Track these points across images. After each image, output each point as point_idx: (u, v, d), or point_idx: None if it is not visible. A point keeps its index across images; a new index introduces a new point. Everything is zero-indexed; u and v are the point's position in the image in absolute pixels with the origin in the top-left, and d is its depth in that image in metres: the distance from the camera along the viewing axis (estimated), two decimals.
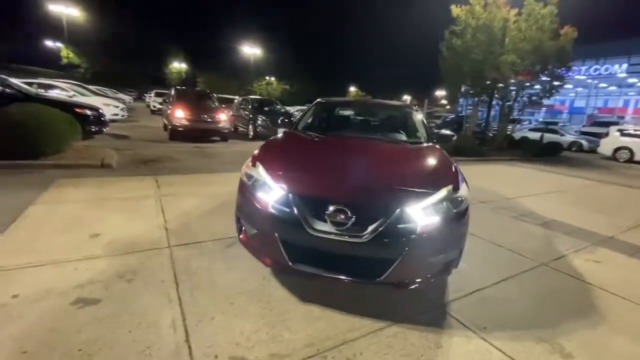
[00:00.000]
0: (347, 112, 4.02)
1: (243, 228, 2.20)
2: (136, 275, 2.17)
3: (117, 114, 12.13)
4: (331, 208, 1.85)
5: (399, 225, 1.84)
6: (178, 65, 49.14)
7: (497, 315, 2.08)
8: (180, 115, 9.19)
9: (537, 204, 4.88)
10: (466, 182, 2.33)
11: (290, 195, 1.94)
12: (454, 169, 2.43)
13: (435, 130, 3.49)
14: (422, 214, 1.89)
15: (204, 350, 1.59)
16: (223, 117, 9.91)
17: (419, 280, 1.97)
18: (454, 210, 2.02)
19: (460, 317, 2.03)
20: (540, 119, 28.60)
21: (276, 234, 1.93)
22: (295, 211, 1.89)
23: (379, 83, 63.42)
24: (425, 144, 3.11)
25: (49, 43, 37.36)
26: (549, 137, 14.40)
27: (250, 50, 39.54)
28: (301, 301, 2.06)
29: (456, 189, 2.12)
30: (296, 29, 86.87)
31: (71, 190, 3.82)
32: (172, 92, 10.91)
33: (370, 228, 1.83)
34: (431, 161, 2.62)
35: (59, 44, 36.82)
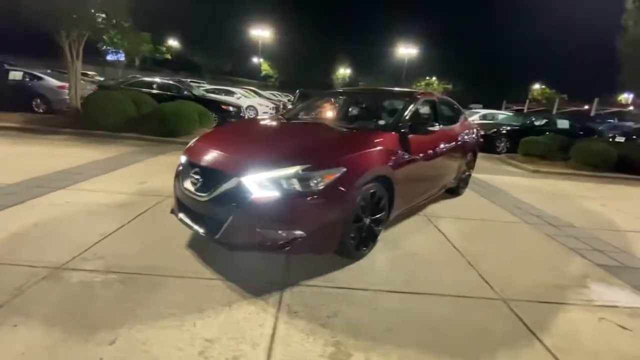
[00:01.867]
0: (330, 101, 4.05)
1: None
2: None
3: (266, 112, 15.41)
4: (192, 170, 2.31)
5: (232, 192, 2.09)
6: (343, 72, 54.39)
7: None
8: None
9: None
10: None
11: (182, 161, 2.51)
12: (351, 154, 2.33)
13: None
14: (256, 186, 2.05)
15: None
16: None
17: (250, 246, 2.12)
18: (299, 189, 2.04)
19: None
20: None
21: (175, 191, 2.55)
22: (180, 172, 2.45)
23: (573, 80, 49.27)
24: (378, 131, 2.90)
25: (254, 60, 49.31)
26: None
27: (406, 51, 39.21)
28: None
29: (315, 169, 2.09)
30: (462, 24, 77.68)
31: (164, 158, 5.60)
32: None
33: (211, 190, 2.17)
34: (326, 143, 2.60)
35: (260, 60, 48.34)
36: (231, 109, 10.52)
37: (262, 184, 2.04)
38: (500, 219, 3.85)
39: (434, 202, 4.16)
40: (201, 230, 2.25)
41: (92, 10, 7.66)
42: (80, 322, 1.68)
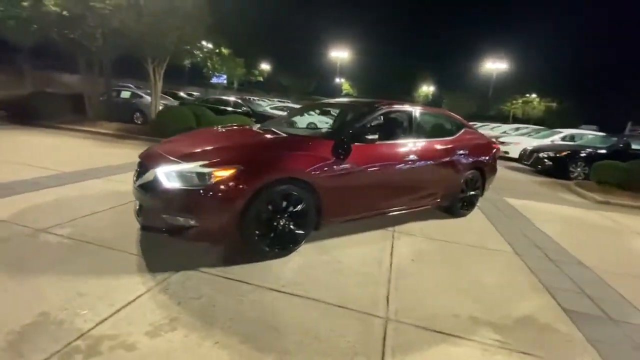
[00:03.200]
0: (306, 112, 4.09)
1: None
2: None
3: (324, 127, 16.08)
4: (137, 164, 2.79)
5: (150, 181, 2.45)
6: (426, 89, 52.46)
7: None
8: None
9: None
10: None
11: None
12: (257, 155, 2.51)
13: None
14: (165, 177, 2.38)
15: None
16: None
17: (157, 230, 2.42)
18: (196, 182, 2.30)
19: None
20: None
21: None
22: None
23: None
24: (311, 138, 3.01)
25: (336, 80, 51.62)
26: None
27: (494, 66, 35.75)
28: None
29: (212, 165, 2.33)
30: (573, 30, 64.41)
31: None
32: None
33: (139, 179, 2.59)
34: (239, 145, 2.84)
35: (342, 79, 50.54)
36: None
37: (169, 176, 2.36)
38: (483, 245, 3.37)
39: (421, 219, 3.88)
40: (135, 213, 2.69)
41: (170, 40, 9.33)
42: (15, 266, 2.22)
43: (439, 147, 3.69)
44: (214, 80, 38.20)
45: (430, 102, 52.73)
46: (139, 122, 11.87)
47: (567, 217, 4.85)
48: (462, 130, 4.12)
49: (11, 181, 3.92)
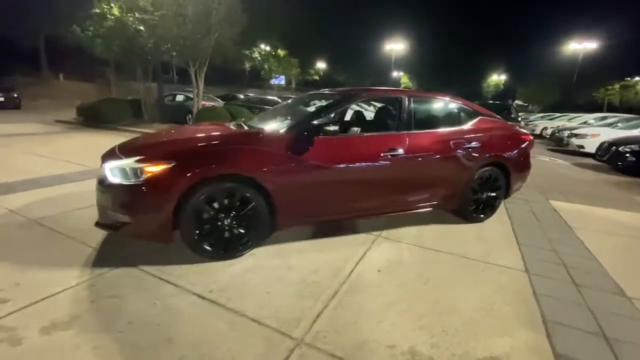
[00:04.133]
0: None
1: None
2: None
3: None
4: None
5: (100, 177, 2.46)
6: (497, 78, 47.33)
7: None
8: None
9: None
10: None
11: None
12: (195, 150, 2.37)
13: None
14: (109, 172, 2.35)
15: None
16: None
17: (104, 226, 2.42)
18: (131, 177, 2.25)
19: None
20: None
21: None
22: None
23: None
24: (267, 129, 2.75)
25: (394, 74, 49.66)
26: None
27: (580, 46, 30.36)
28: None
29: (144, 161, 2.26)
30: None
31: None
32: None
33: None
34: (187, 139, 2.72)
35: (400, 73, 48.47)
36: None
37: (113, 171, 2.33)
38: (486, 259, 2.74)
39: (422, 223, 3.38)
40: None
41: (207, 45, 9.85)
42: None
43: (436, 139, 3.12)
44: (273, 81, 39.85)
45: (502, 93, 47.51)
46: (190, 122, 12.86)
47: (631, 228, 3.76)
48: (476, 119, 3.44)
49: (42, 176, 4.44)
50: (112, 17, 9.40)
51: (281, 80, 41.32)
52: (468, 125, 3.37)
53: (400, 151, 2.90)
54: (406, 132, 3.01)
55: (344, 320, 1.89)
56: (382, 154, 2.83)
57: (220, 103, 13.67)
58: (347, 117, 4.01)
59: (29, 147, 6.58)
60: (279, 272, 2.38)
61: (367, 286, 2.25)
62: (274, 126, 2.77)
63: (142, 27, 9.13)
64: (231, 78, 36.49)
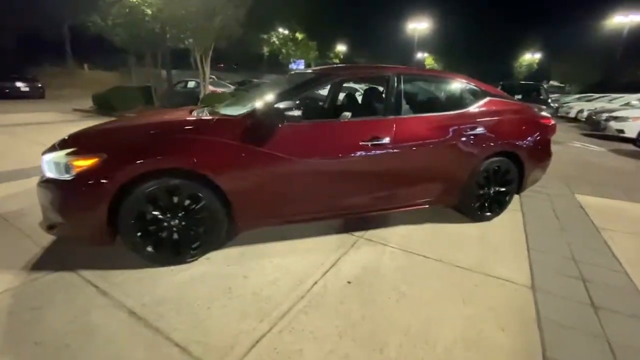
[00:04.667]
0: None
1: None
2: None
3: None
4: None
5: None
6: (530, 57, 43.87)
7: None
8: None
9: None
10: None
11: None
12: (133, 141, 2.08)
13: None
14: (46, 167, 2.06)
15: None
16: None
17: (48, 228, 2.16)
18: (61, 173, 1.97)
19: None
20: None
21: None
22: None
23: None
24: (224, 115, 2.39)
25: (418, 55, 47.36)
26: None
27: (626, 19, 27.13)
28: None
29: (75, 153, 1.98)
30: None
31: None
32: None
33: None
34: (127, 127, 2.50)
35: (425, 54, 46.19)
36: None
37: (48, 165, 2.05)
38: (483, 269, 2.29)
39: (418, 222, 2.96)
40: None
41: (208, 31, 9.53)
42: None
43: (431, 125, 2.63)
44: (292, 66, 39.14)
45: (535, 73, 44.07)
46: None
47: None
48: (483, 101, 2.90)
49: (34, 166, 4.35)
50: (120, 2, 9.26)
51: (301, 65, 40.55)
52: (473, 108, 2.85)
53: (386, 140, 2.46)
54: (393, 117, 2.56)
55: (286, 349, 1.55)
56: (361, 144, 2.40)
57: (230, 89, 13.45)
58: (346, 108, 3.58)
59: (35, 136, 6.62)
60: (232, 281, 2.07)
61: (328, 302, 1.90)
62: (233, 111, 2.41)
63: (149, 11, 8.95)
64: (251, 64, 36.25)
